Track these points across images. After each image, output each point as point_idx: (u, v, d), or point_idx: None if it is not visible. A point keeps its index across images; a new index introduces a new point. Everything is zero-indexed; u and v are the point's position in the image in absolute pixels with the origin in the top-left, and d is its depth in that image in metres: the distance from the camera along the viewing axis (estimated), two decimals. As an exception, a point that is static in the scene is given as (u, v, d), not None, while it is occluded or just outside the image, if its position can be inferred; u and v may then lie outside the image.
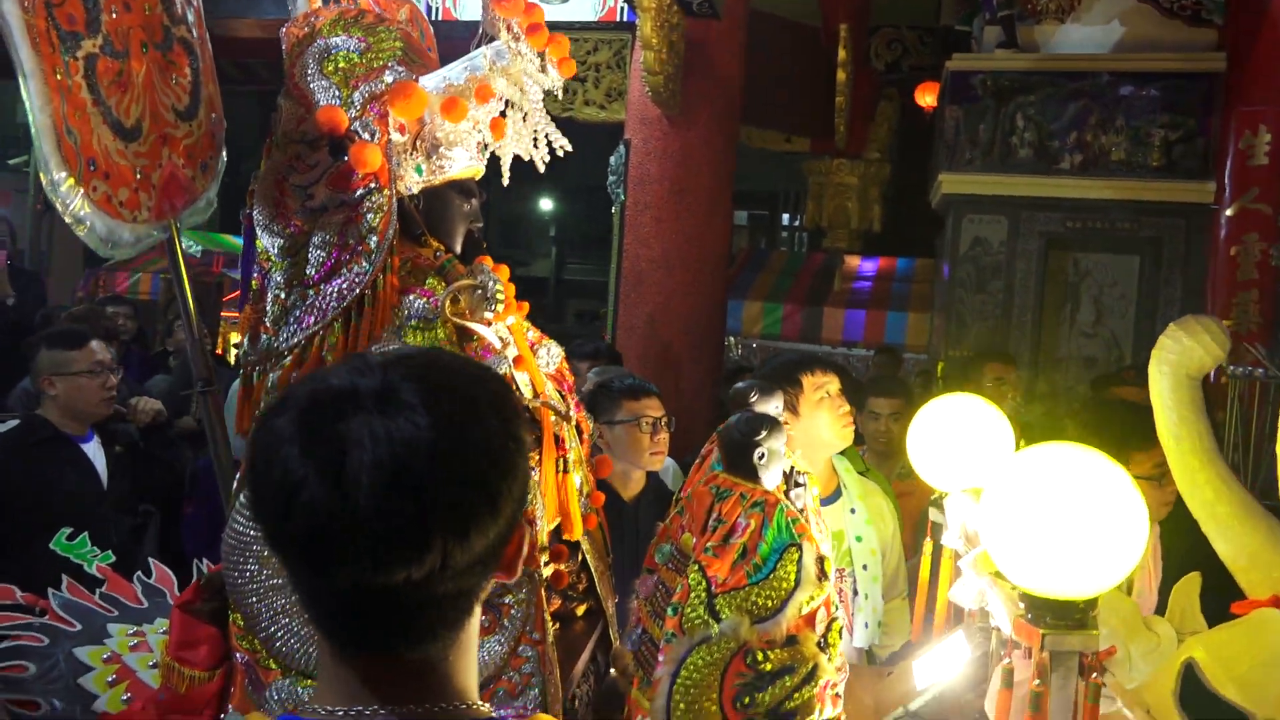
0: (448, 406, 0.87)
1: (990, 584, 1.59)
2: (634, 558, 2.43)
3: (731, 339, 8.89)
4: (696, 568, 1.57)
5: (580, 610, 2.18)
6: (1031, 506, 1.38)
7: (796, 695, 1.57)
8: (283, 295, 1.81)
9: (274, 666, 1.66)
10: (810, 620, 1.55)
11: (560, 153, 1.94)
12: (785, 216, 15.60)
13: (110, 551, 2.48)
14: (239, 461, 1.88)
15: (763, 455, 1.68)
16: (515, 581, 1.71)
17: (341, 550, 0.83)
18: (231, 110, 2.34)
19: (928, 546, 2.14)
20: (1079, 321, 5.97)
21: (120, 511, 3.52)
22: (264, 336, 1.83)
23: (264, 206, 1.83)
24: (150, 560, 2.47)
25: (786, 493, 1.83)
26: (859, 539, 2.71)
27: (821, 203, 8.19)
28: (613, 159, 6.18)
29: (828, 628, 1.58)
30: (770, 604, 1.52)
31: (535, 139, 1.92)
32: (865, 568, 2.70)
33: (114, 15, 1.76)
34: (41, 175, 1.62)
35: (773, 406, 2.23)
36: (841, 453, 2.82)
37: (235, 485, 1.79)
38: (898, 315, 8.78)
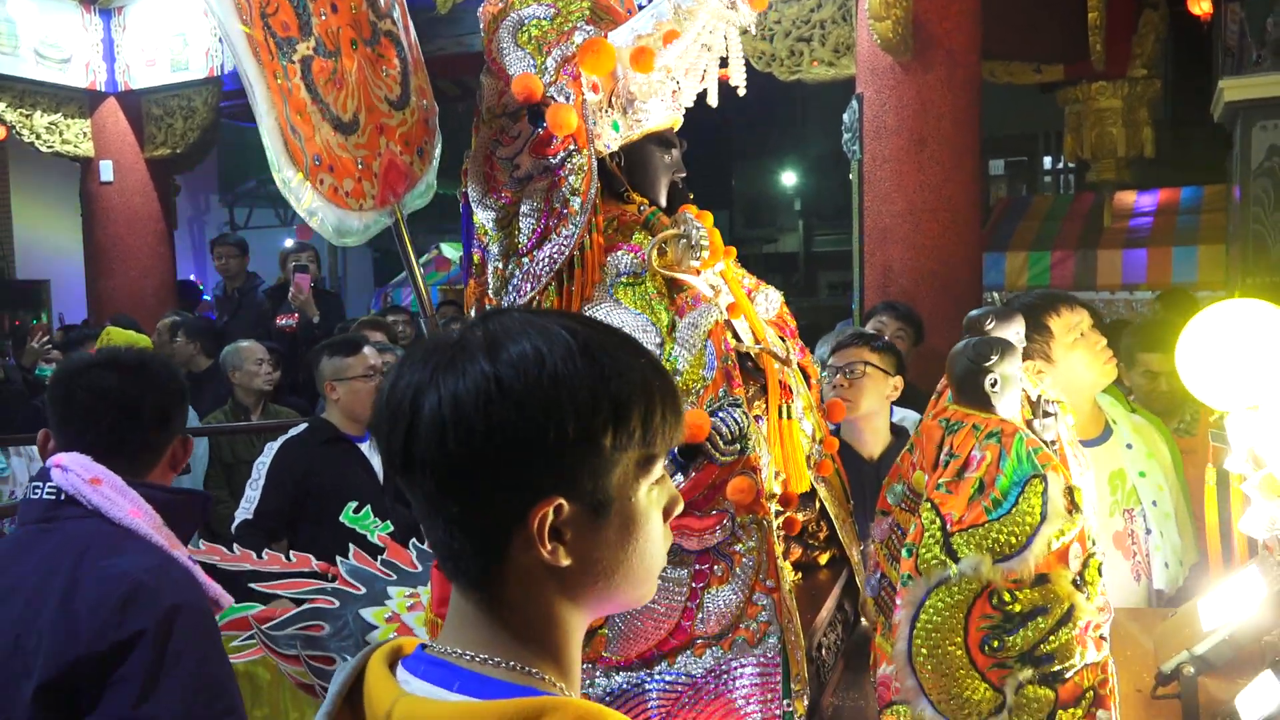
0: None
1: (1280, 506, 1.37)
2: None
3: (995, 294, 8.37)
4: (929, 506, 1.47)
5: (823, 559, 2.12)
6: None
7: (1053, 638, 1.43)
8: (501, 266, 1.88)
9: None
10: (1063, 556, 1.40)
11: (740, 91, 1.87)
12: (1046, 160, 14.45)
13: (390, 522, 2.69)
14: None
15: (995, 382, 1.54)
16: (745, 530, 1.68)
17: None
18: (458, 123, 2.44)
19: (1210, 474, 1.90)
20: None
21: (395, 503, 3.83)
22: (488, 308, 1.91)
23: (476, 183, 1.91)
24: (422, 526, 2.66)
25: (1031, 423, 1.67)
26: (1142, 474, 2.47)
27: (1081, 133, 7.40)
28: (846, 116, 5.95)
29: (1084, 564, 1.43)
30: (1014, 540, 1.39)
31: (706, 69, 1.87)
32: (1155, 504, 2.46)
33: (323, 17, 1.90)
34: (274, 174, 1.77)
35: (1013, 332, 2.05)
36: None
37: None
38: (1185, 250, 7.90)
